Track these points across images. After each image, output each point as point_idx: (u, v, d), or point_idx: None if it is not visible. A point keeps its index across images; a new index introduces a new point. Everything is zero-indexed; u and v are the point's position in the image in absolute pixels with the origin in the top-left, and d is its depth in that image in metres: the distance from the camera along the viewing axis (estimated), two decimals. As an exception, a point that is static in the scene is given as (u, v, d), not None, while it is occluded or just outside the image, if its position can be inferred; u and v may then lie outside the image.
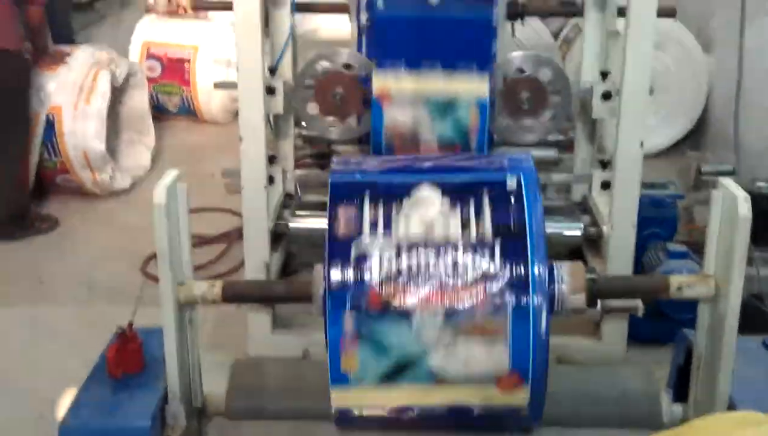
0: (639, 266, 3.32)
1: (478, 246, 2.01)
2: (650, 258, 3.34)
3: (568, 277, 2.07)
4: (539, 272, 1.99)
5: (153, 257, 3.45)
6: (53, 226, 4.73)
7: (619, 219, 3.07)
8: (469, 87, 3.26)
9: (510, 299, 1.97)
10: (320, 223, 2.98)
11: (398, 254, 2.01)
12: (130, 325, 2.40)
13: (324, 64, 3.36)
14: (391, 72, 3.27)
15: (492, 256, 1.99)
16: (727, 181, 2.11)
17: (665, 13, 4.65)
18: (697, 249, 3.02)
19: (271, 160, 3.29)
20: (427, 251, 2.00)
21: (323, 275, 2.03)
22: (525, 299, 1.97)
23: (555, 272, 2.08)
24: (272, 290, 2.63)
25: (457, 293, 1.97)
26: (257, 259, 3.16)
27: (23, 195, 4.72)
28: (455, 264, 1.99)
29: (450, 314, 1.98)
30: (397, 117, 3.26)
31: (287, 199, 3.55)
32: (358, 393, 2.05)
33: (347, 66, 3.36)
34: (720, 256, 2.18)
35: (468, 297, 1.97)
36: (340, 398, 2.07)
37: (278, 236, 3.36)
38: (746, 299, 2.56)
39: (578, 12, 3.98)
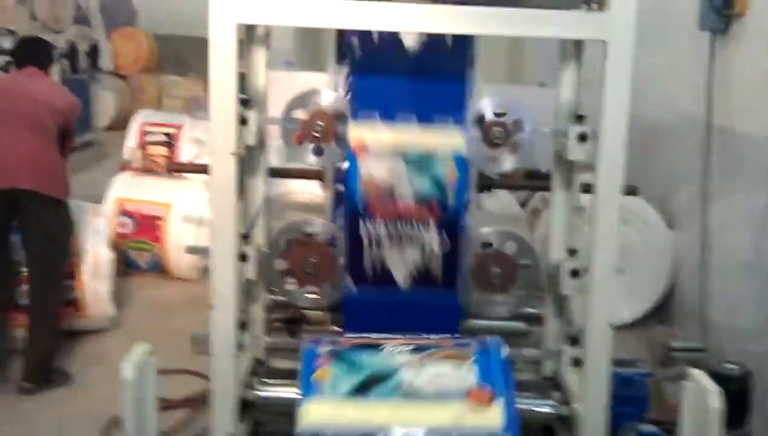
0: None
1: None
2: (623, 439, 3.32)
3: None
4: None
5: (115, 421, 3.40)
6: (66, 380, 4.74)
7: (591, 398, 3.05)
8: (446, 141, 3.28)
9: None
10: (290, 391, 2.93)
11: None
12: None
13: (295, 234, 3.39)
14: (368, 123, 3.29)
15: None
16: (698, 374, 2.13)
17: (628, 191, 4.82)
18: (668, 428, 3.01)
19: (242, 326, 3.27)
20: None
21: None
22: None
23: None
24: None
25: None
26: (223, 429, 3.08)
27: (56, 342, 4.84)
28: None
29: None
30: (373, 171, 3.26)
31: (256, 366, 3.50)
32: (328, 406, 1.97)
33: (319, 234, 3.40)
34: (692, 443, 2.17)
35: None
36: (310, 412, 1.98)
37: (247, 404, 3.28)
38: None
39: (545, 186, 4.09)
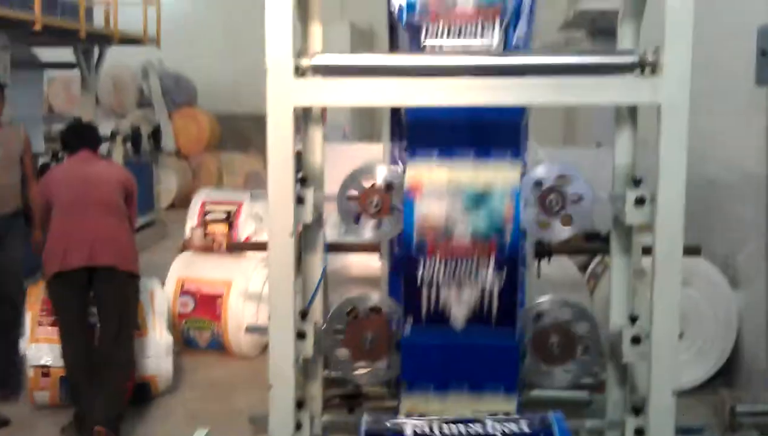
0: None
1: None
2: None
3: None
4: None
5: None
6: None
7: (658, 469, 2.97)
8: (503, 176, 3.26)
9: None
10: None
11: None
12: None
13: (353, 308, 3.40)
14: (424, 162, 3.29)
15: None
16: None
17: (690, 251, 4.74)
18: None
19: (299, 405, 3.26)
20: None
21: None
22: None
23: None
24: None
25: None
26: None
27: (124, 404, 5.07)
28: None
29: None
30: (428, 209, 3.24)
31: (315, 443, 3.49)
32: None
33: (376, 309, 3.40)
34: None
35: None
36: None
37: (306, 482, 3.27)
38: None
39: (604, 249, 4.05)
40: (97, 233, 5.06)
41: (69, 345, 5.04)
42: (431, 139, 3.32)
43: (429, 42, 3.23)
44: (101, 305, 5.12)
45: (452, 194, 3.27)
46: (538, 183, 3.25)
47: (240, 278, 6.39)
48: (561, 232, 3.32)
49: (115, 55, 12.65)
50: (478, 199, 3.26)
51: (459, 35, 3.22)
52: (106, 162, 5.76)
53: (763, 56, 4.86)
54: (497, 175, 3.28)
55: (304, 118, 3.45)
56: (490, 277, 3.26)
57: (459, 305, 3.28)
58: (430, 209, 3.27)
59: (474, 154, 3.29)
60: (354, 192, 3.37)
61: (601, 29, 10.04)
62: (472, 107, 3.11)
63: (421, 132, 3.35)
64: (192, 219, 7.33)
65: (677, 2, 2.84)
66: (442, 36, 3.23)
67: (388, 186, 3.36)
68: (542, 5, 3.21)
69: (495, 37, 3.21)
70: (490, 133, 3.32)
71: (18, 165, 5.73)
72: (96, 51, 11.65)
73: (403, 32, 3.30)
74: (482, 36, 3.22)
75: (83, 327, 5.10)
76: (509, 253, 3.26)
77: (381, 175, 3.39)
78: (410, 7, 3.24)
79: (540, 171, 3.29)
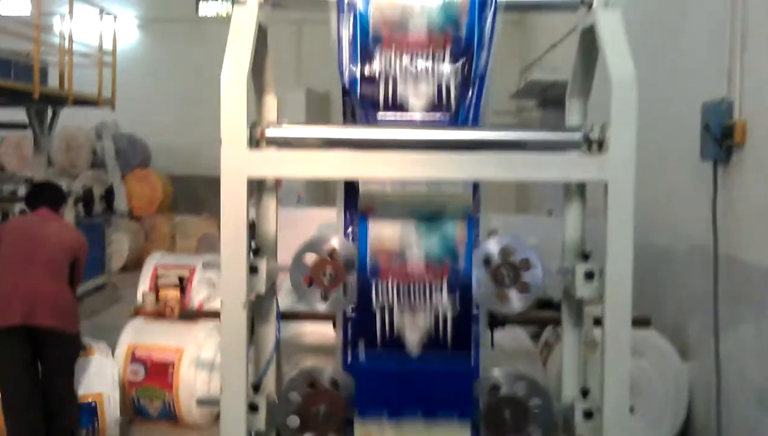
0: None
1: None
2: None
3: None
4: None
5: None
6: None
7: None
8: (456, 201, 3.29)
9: None
10: None
11: None
12: None
13: (305, 383, 3.37)
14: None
15: None
16: None
17: (640, 322, 4.80)
18: None
19: (250, 478, 3.22)
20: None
21: None
22: None
23: None
24: None
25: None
26: None
27: None
28: None
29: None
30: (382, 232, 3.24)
31: None
32: None
33: (333, 382, 3.38)
34: None
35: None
36: None
37: None
38: None
39: (556, 320, 4.08)
40: (39, 292, 5.10)
41: (11, 418, 5.05)
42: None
43: (381, 115, 3.29)
44: (44, 367, 5.20)
45: (405, 217, 3.30)
46: (487, 260, 3.28)
47: (192, 345, 6.30)
48: (519, 302, 3.33)
49: (70, 115, 12.58)
50: (431, 223, 3.29)
51: (411, 62, 3.26)
52: (61, 223, 5.70)
53: (706, 131, 5.01)
54: (449, 201, 3.32)
55: (258, 186, 3.46)
56: (444, 301, 3.27)
57: (413, 330, 3.29)
58: (383, 231, 3.29)
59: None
60: (307, 263, 3.37)
61: (551, 99, 10.29)
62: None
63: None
64: (144, 284, 7.24)
65: (622, 82, 2.93)
66: (395, 63, 3.26)
67: (342, 256, 3.37)
68: (494, 73, 3.27)
69: (446, 65, 3.26)
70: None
71: None
72: (50, 111, 11.58)
73: (356, 102, 3.35)
74: (433, 62, 3.26)
75: (27, 391, 5.07)
76: (463, 277, 3.28)
77: (334, 246, 3.40)
78: (358, 82, 3.29)
79: (485, 248, 3.32)
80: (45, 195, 5.60)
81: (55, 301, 5.14)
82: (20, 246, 5.21)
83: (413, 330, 3.30)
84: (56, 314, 5.11)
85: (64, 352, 5.24)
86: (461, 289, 3.29)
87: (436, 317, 3.30)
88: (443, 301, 3.29)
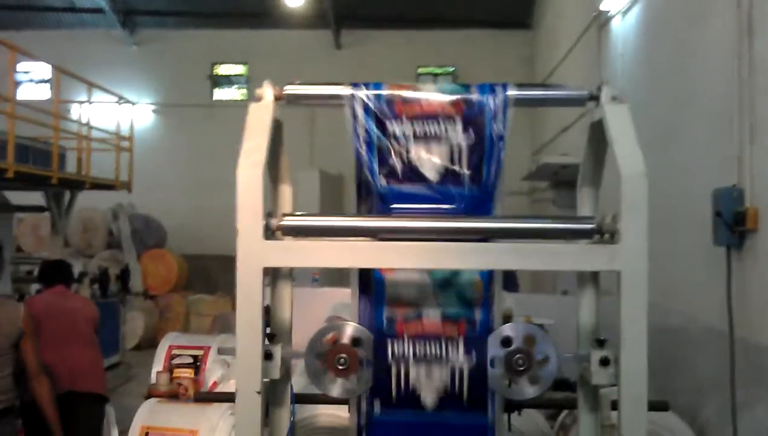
0: None
1: None
2: None
3: None
4: None
5: None
6: None
7: None
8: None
9: None
10: None
11: None
12: None
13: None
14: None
15: None
16: None
17: (658, 406, 4.76)
18: None
19: None
20: None
21: None
22: None
23: None
24: None
25: None
26: None
27: None
28: None
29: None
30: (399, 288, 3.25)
31: None
32: None
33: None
34: None
35: None
36: None
37: None
38: None
39: (572, 404, 4.06)
40: (80, 362, 5.80)
41: None
42: None
43: (396, 205, 3.34)
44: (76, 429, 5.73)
45: (422, 273, 3.30)
46: (506, 341, 3.29)
47: (206, 427, 6.25)
48: (527, 391, 3.33)
49: (87, 196, 12.77)
50: (448, 279, 3.29)
51: (424, 134, 3.31)
52: (79, 298, 6.73)
53: (718, 217, 5.05)
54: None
55: (273, 271, 3.50)
56: (460, 357, 3.26)
57: (429, 386, 3.27)
58: (399, 287, 3.30)
59: None
60: (321, 350, 3.39)
61: (562, 181, 10.36)
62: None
63: None
64: (158, 364, 7.24)
65: (632, 176, 2.98)
66: (408, 133, 3.30)
67: (355, 341, 3.39)
68: (507, 156, 3.33)
69: (458, 133, 3.31)
70: None
71: (10, 354, 4.86)
72: (67, 194, 11.76)
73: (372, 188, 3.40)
74: (446, 132, 3.30)
75: None
76: (480, 333, 3.27)
77: (348, 332, 3.42)
78: (374, 174, 3.35)
79: (507, 329, 3.33)
80: (60, 273, 6.13)
81: (93, 368, 5.97)
82: (57, 322, 5.78)
83: (429, 386, 3.30)
84: (95, 379, 5.93)
85: (98, 414, 5.97)
86: (477, 345, 3.28)
87: (452, 373, 3.29)
88: (459, 357, 3.29)
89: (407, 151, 3.33)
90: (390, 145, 3.34)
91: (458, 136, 3.30)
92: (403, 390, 3.31)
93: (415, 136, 3.32)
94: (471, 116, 3.29)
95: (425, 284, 3.34)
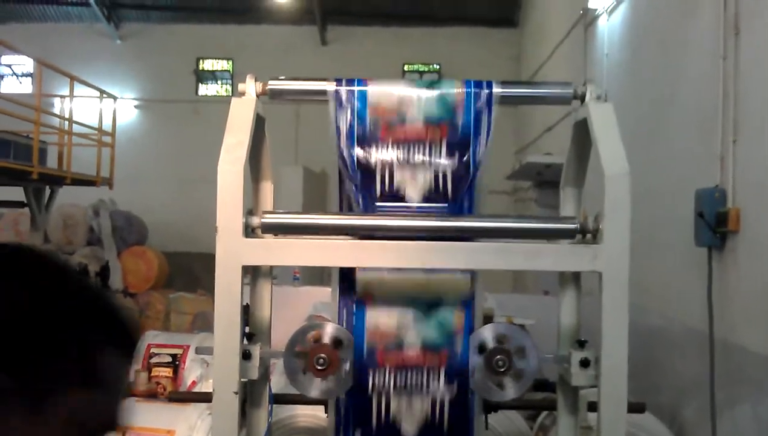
0: None
1: None
2: None
3: None
4: None
5: None
6: None
7: None
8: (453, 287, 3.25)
9: None
10: None
11: None
12: None
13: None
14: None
15: None
16: None
17: (635, 408, 4.75)
18: None
19: None
20: None
21: None
22: None
23: None
24: None
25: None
26: None
27: None
28: None
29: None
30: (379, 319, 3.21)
31: None
32: None
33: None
34: None
35: None
36: None
37: None
38: None
39: (552, 405, 4.05)
40: None
41: None
42: None
43: (380, 203, 3.31)
44: None
45: (403, 304, 3.27)
46: (482, 347, 3.26)
47: (184, 427, 6.22)
48: (513, 389, 3.30)
49: (67, 192, 12.67)
50: (429, 309, 3.26)
51: (409, 155, 3.29)
52: None
53: (700, 218, 5.05)
54: (447, 287, 3.29)
55: (253, 269, 3.47)
56: (441, 388, 3.24)
57: (410, 416, 3.24)
58: (380, 318, 3.27)
59: None
60: (301, 349, 3.35)
61: (545, 181, 10.37)
62: None
63: None
64: (136, 362, 7.19)
65: (615, 176, 2.96)
66: (392, 154, 3.28)
67: (336, 342, 3.35)
68: (490, 155, 3.31)
69: (442, 156, 3.29)
70: None
71: None
72: (47, 190, 11.66)
73: (354, 191, 3.37)
74: (430, 155, 3.29)
75: None
76: (461, 364, 3.25)
77: (328, 331, 3.39)
78: (356, 172, 3.32)
79: (480, 335, 3.30)
80: None
81: None
82: None
83: (409, 416, 3.27)
84: None
85: None
86: (458, 375, 3.26)
87: (433, 404, 3.27)
88: (440, 388, 3.26)
89: (393, 152, 3.31)
90: (374, 146, 3.32)
91: (440, 156, 3.29)
92: (383, 421, 3.28)
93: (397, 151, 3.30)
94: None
95: (407, 315, 3.30)
